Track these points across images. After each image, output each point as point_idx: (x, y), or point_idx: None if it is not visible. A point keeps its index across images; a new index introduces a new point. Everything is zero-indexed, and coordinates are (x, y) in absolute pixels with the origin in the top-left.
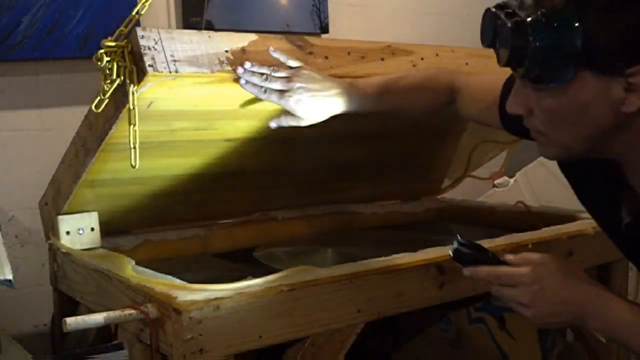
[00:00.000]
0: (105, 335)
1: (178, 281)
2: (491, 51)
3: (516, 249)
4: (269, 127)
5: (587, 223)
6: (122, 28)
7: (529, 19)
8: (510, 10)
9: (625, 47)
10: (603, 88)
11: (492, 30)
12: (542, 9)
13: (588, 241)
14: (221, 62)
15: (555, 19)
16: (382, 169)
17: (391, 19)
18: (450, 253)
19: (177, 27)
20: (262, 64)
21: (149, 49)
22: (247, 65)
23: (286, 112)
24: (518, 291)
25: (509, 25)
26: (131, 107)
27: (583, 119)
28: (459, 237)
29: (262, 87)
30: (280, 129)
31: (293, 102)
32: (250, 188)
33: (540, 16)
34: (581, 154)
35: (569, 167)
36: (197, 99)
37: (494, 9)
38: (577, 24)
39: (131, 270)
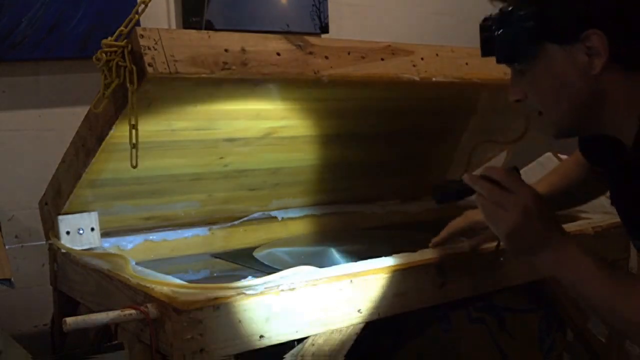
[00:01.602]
0: (105, 335)
1: (178, 281)
2: None
3: None
4: (269, 127)
5: (587, 223)
6: (122, 28)
7: (494, 15)
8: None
9: (576, 15)
10: (568, 57)
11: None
12: (505, 4)
13: (588, 241)
14: (221, 62)
15: (513, 6)
16: (382, 169)
17: (391, 19)
18: (435, 199)
19: (177, 27)
20: (261, 63)
21: (149, 49)
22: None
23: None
24: (503, 210)
25: (480, 26)
26: (131, 107)
27: (563, 91)
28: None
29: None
30: (281, 128)
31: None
32: (250, 188)
33: (504, 9)
34: (574, 129)
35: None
36: (197, 99)
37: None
38: (530, 5)
39: (131, 270)
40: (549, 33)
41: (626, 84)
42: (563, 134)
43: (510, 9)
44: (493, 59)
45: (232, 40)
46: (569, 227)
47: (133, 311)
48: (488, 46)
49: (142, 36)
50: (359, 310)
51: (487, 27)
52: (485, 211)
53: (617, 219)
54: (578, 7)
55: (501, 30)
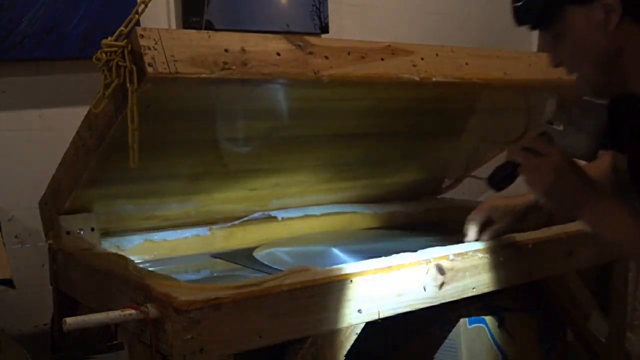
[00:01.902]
0: (105, 335)
1: (178, 281)
2: (490, 51)
3: (516, 248)
4: (268, 127)
5: None
6: (122, 28)
7: None
8: None
9: None
10: (589, 17)
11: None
12: None
13: (588, 241)
14: (221, 62)
15: None
16: (382, 169)
17: (391, 19)
18: (495, 187)
19: (177, 27)
20: (261, 63)
21: (149, 49)
22: None
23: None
24: (538, 173)
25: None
26: (131, 107)
27: (588, 51)
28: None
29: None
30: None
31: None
32: (250, 188)
33: None
34: (606, 87)
35: None
36: (197, 99)
37: None
38: None
39: (131, 270)
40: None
41: None
42: (597, 92)
43: None
44: (493, 59)
45: (232, 40)
46: (569, 227)
47: (133, 311)
48: (519, 15)
49: (142, 36)
50: (359, 310)
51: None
52: (526, 178)
53: None
54: None
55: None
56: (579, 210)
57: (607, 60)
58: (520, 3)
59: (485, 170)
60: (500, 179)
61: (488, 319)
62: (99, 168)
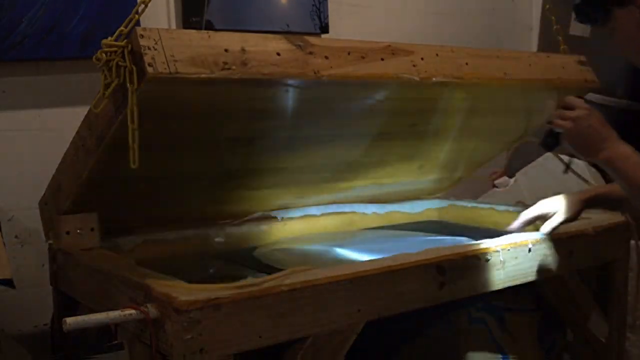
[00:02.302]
0: (105, 335)
1: (178, 281)
2: (490, 51)
3: (516, 248)
4: (268, 127)
5: (587, 223)
6: (122, 28)
7: None
8: None
9: None
10: (629, 15)
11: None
12: None
13: (588, 241)
14: (221, 62)
15: None
16: (382, 169)
17: (391, 19)
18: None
19: (177, 27)
20: (261, 63)
21: (149, 49)
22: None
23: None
24: (568, 122)
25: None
26: (131, 107)
27: (633, 43)
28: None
29: None
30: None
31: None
32: (250, 188)
33: None
34: None
35: None
36: (197, 99)
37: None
38: None
39: (131, 270)
40: (611, 2)
41: None
42: None
43: None
44: (493, 59)
45: (232, 40)
46: (569, 227)
47: (133, 311)
48: (578, 15)
49: (142, 36)
50: (359, 310)
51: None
52: (559, 127)
53: (617, 219)
54: None
55: (582, 1)
56: (601, 152)
57: None
58: (578, 5)
59: (486, 170)
60: (547, 139)
61: (488, 319)
62: (99, 168)
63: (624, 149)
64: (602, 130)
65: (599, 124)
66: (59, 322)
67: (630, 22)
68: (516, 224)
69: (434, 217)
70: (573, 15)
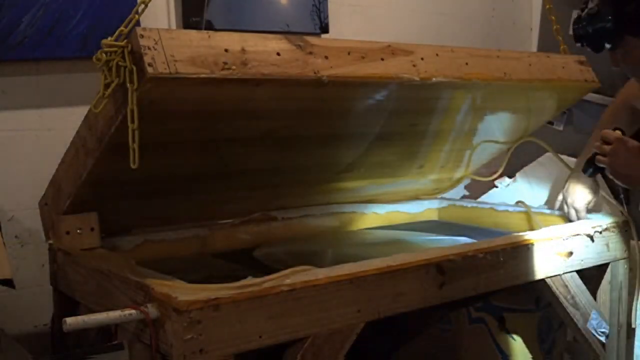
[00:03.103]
0: (105, 335)
1: (178, 281)
2: (490, 51)
3: (516, 248)
4: (268, 127)
5: (587, 223)
6: (122, 28)
7: (583, 16)
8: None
9: None
10: None
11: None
12: (590, 10)
13: (588, 241)
14: (221, 62)
15: (597, 13)
16: (382, 169)
17: (391, 19)
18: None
19: (177, 27)
20: (261, 63)
21: (149, 49)
22: None
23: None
24: (607, 157)
25: (573, 25)
26: (131, 107)
27: None
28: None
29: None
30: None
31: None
32: (250, 188)
33: (590, 11)
34: None
35: None
36: (197, 99)
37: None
38: (609, 12)
39: (131, 270)
40: (627, 31)
41: None
42: None
43: (595, 11)
44: (493, 59)
45: (232, 40)
46: (569, 227)
47: (133, 311)
48: (580, 39)
49: (142, 36)
50: (359, 310)
51: (578, 24)
52: (601, 162)
53: (617, 219)
54: None
55: (589, 29)
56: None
57: None
58: (586, 27)
59: (486, 170)
60: (589, 168)
61: (488, 319)
62: (99, 168)
63: None
64: (638, 161)
65: (635, 156)
66: (59, 322)
67: (639, 49)
68: (582, 214)
69: (434, 217)
70: (574, 14)
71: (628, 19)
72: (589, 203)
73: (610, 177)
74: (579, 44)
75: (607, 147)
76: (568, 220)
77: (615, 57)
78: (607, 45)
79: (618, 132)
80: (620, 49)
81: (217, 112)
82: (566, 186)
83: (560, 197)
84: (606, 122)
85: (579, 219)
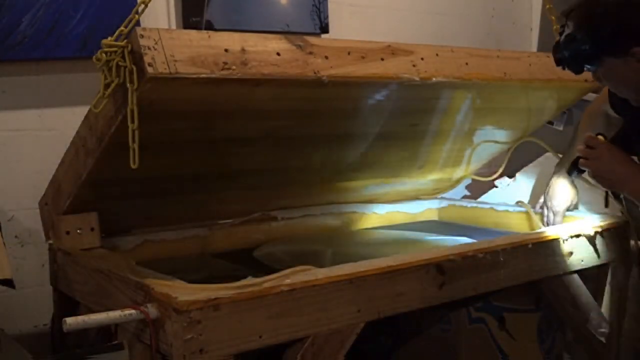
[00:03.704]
0: (105, 335)
1: (178, 281)
2: (490, 51)
3: (516, 248)
4: (268, 127)
5: (587, 223)
6: (122, 28)
7: (562, 41)
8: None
9: (622, 38)
10: (624, 65)
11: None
12: (567, 35)
13: (588, 241)
14: (221, 62)
15: (574, 38)
16: (382, 169)
17: (391, 19)
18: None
19: (177, 27)
20: (261, 63)
21: (149, 49)
22: None
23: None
24: (590, 161)
25: (553, 49)
26: (131, 107)
27: (626, 84)
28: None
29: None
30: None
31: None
32: (250, 188)
33: (569, 36)
34: None
35: None
36: (197, 99)
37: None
38: (585, 35)
39: (131, 270)
40: (605, 52)
41: None
42: (638, 102)
43: (572, 37)
44: (493, 59)
45: (232, 40)
46: (569, 227)
47: (133, 311)
48: (560, 63)
49: (142, 36)
50: (359, 310)
51: (557, 49)
52: (584, 165)
53: (617, 219)
54: (624, 34)
55: (567, 53)
56: (625, 185)
57: None
58: (563, 51)
59: (486, 170)
60: (573, 170)
61: (488, 319)
62: (99, 168)
63: None
64: (621, 168)
65: (618, 161)
66: (59, 322)
67: (626, 69)
68: (558, 219)
69: (434, 217)
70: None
71: (604, 42)
72: (567, 209)
73: (592, 179)
74: (559, 67)
75: (590, 152)
76: (545, 223)
77: (597, 75)
78: (587, 67)
79: (601, 138)
80: (601, 68)
81: (217, 112)
82: (548, 189)
83: (541, 199)
84: (585, 126)
85: (554, 223)
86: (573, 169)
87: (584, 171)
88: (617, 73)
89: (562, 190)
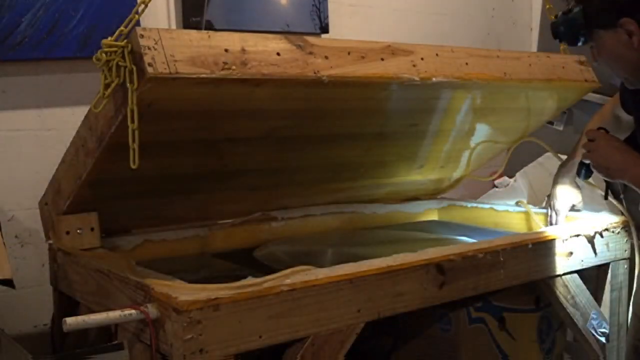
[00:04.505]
0: (105, 335)
1: (178, 281)
2: (490, 51)
3: (516, 248)
4: (268, 127)
5: (587, 223)
6: (122, 28)
7: (559, 15)
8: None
9: (613, 10)
10: (614, 37)
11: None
12: (566, 10)
13: (588, 241)
14: (221, 62)
15: (569, 12)
16: (382, 169)
17: (391, 19)
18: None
19: (177, 27)
20: (261, 63)
21: (149, 49)
22: None
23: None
24: (591, 154)
25: (551, 23)
26: (131, 107)
27: (619, 59)
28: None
29: None
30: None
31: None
32: (250, 188)
33: (566, 11)
34: (638, 81)
35: None
36: (197, 99)
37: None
38: (579, 9)
39: (131, 270)
40: (595, 25)
41: None
42: (633, 85)
43: (569, 10)
44: (493, 59)
45: (232, 40)
46: (569, 227)
47: (133, 311)
48: (556, 36)
49: (142, 36)
50: (358, 310)
51: (555, 24)
52: (587, 158)
53: (617, 219)
54: (611, 5)
55: (562, 27)
56: (625, 173)
57: (634, 67)
58: (560, 26)
59: (486, 170)
60: (581, 170)
61: (488, 319)
62: (99, 168)
63: None
64: (619, 156)
65: (616, 149)
66: (59, 322)
67: (617, 43)
68: (561, 219)
69: (434, 217)
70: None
71: (595, 13)
72: (570, 209)
73: (594, 170)
74: (556, 40)
75: (590, 144)
76: (549, 223)
77: (593, 53)
78: (581, 40)
79: (602, 130)
80: (594, 42)
81: (217, 112)
82: (552, 190)
83: (546, 198)
84: (592, 126)
85: (556, 223)
86: (581, 169)
87: (592, 173)
88: (608, 48)
89: (566, 191)
